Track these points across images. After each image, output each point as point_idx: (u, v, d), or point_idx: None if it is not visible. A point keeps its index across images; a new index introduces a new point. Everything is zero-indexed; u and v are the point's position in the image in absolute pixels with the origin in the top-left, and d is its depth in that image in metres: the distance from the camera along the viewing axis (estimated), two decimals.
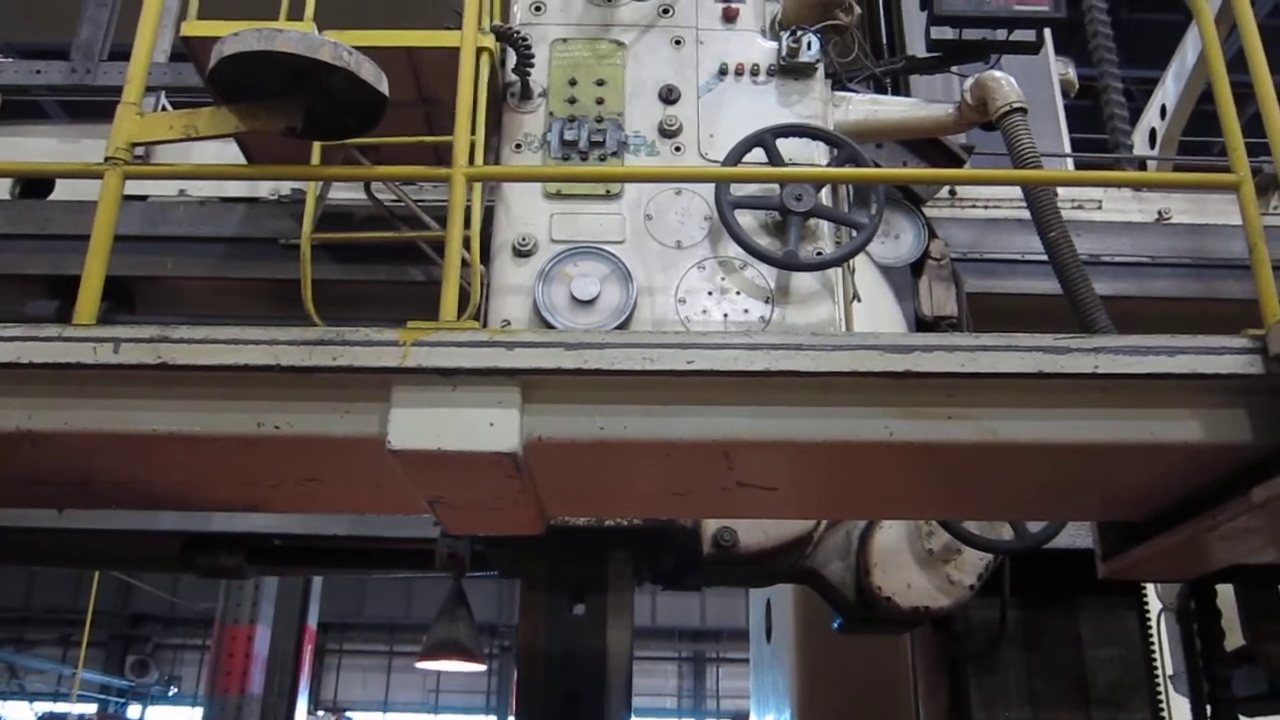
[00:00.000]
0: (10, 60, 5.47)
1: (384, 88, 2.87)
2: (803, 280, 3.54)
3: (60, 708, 24.12)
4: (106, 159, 2.79)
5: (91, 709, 24.82)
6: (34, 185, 4.88)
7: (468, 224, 3.54)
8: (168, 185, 4.81)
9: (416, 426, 2.44)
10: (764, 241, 3.47)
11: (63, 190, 4.84)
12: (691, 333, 2.90)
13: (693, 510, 3.38)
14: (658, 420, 2.51)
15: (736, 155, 3.50)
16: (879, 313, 4.24)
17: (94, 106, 5.12)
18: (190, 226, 4.67)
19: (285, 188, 4.79)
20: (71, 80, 5.26)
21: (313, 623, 15.73)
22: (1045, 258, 4.58)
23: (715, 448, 2.53)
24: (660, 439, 2.51)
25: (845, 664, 5.86)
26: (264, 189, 4.81)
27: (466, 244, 3.55)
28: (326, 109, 2.91)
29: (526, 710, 3.80)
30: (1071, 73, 6.36)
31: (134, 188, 4.72)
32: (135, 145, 2.85)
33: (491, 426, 2.44)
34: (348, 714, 27.21)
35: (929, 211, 4.65)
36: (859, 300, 3.85)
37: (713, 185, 3.52)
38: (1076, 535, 4.09)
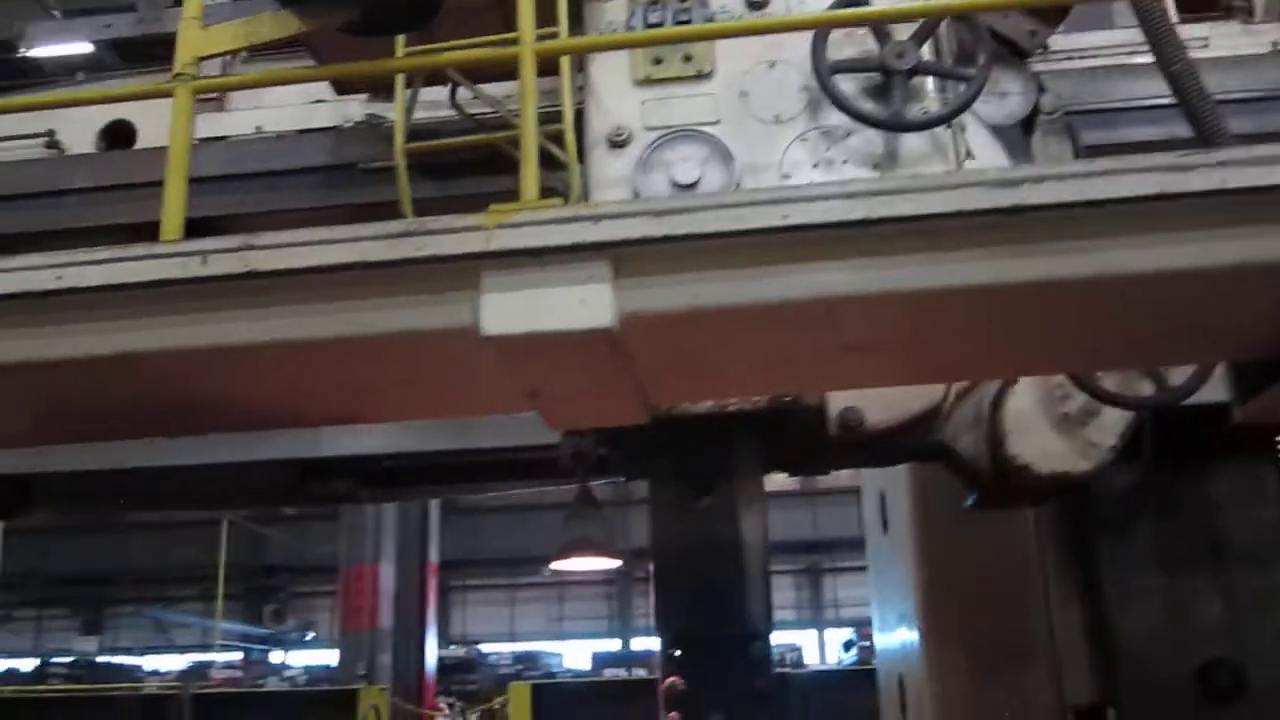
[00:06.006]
0: (83, 18, 5.53)
1: None
2: (912, 142, 3.39)
3: (208, 658, 25.33)
4: (174, 75, 2.76)
5: (238, 657, 26.02)
6: (118, 137, 4.93)
7: (558, 119, 3.45)
8: (245, 123, 4.83)
9: (507, 310, 2.37)
10: (867, 107, 3.32)
11: (146, 139, 4.89)
12: (783, 188, 2.77)
13: (801, 383, 3.28)
14: (756, 284, 2.39)
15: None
16: None
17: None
18: (269, 161, 4.68)
19: (359, 114, 4.76)
20: (139, 30, 5.29)
21: (434, 559, 16.17)
22: (1149, 103, 4.35)
23: (818, 306, 2.41)
24: (760, 301, 2.39)
25: (968, 548, 5.70)
26: (338, 117, 4.79)
27: (559, 140, 3.47)
28: (385, 3, 2.84)
29: (665, 607, 3.74)
30: None
31: (211, 129, 4.76)
32: (202, 59, 2.81)
33: (583, 303, 2.36)
34: (477, 646, 28.02)
35: None
36: (972, 158, 3.67)
37: (807, 55, 3.37)
38: (1205, 390, 3.87)
